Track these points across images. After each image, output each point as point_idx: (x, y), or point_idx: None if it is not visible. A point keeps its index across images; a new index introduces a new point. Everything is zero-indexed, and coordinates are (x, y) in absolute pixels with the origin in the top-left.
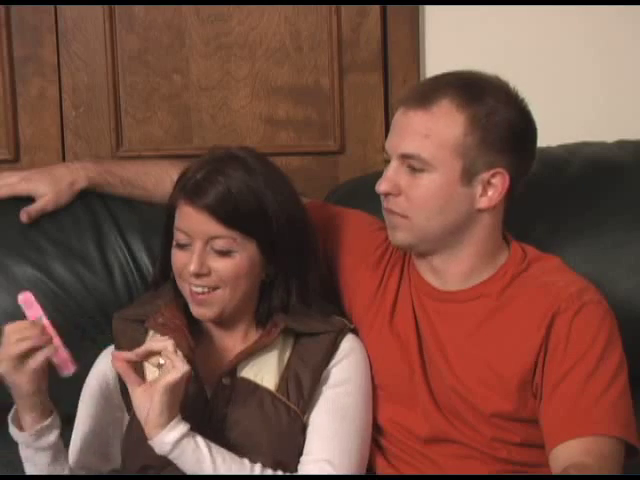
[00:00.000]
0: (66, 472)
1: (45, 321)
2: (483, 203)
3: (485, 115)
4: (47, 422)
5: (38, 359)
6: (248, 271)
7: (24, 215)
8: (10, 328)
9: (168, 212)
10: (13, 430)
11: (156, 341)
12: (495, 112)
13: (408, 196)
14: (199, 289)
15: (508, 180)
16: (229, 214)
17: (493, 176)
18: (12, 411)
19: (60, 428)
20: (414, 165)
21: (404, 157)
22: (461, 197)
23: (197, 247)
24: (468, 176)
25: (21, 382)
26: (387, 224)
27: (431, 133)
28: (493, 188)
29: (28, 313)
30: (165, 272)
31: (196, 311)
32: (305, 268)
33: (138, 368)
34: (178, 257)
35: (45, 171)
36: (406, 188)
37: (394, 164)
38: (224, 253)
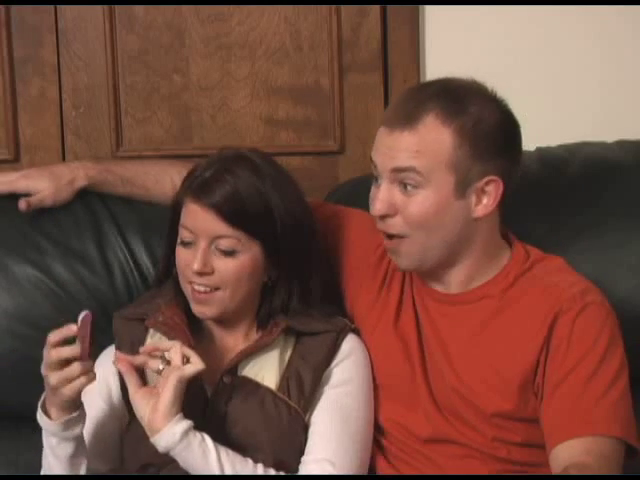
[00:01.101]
0: (84, 466)
1: (86, 347)
2: (479, 212)
3: (472, 125)
4: (75, 414)
5: (75, 388)
6: (250, 272)
7: (23, 203)
8: (51, 341)
9: (174, 209)
10: (42, 417)
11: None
12: (481, 120)
13: (404, 215)
14: (201, 288)
15: (502, 186)
16: (235, 214)
17: (487, 184)
18: (42, 398)
19: (85, 422)
20: (407, 181)
21: (397, 171)
22: (457, 210)
23: (202, 246)
24: (462, 188)
25: (61, 399)
26: (388, 250)
27: (421, 149)
28: (487, 195)
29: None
30: (168, 269)
31: (196, 309)
32: (308, 271)
33: (139, 372)
34: (182, 255)
35: (45, 169)
36: (401, 207)
37: (385, 184)
38: (228, 253)
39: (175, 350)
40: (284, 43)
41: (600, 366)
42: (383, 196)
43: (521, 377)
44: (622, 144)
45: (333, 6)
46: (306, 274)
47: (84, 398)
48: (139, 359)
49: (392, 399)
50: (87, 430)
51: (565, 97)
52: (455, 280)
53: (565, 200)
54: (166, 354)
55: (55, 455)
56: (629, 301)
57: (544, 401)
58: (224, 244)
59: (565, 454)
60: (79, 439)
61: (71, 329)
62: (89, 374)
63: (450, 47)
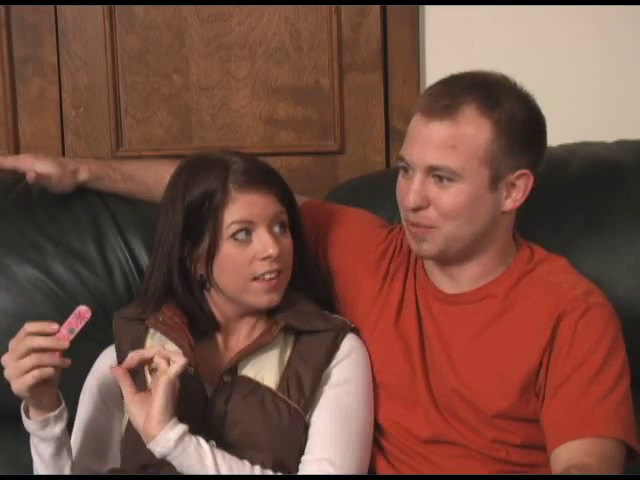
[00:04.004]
0: (68, 466)
1: (70, 336)
2: (508, 205)
3: (507, 119)
4: (52, 414)
5: (26, 382)
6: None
7: (32, 173)
8: (28, 329)
9: (206, 221)
10: (23, 417)
11: (147, 349)
12: (514, 114)
13: (437, 207)
14: (272, 274)
15: (532, 179)
16: (283, 189)
17: (518, 178)
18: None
19: (66, 422)
20: (442, 174)
21: (431, 169)
22: (489, 203)
23: (265, 231)
24: (495, 182)
25: (19, 390)
26: (411, 237)
27: (458, 143)
28: (516, 189)
29: (70, 319)
30: (170, 285)
31: (267, 299)
32: (309, 260)
33: (139, 377)
34: (242, 252)
35: (51, 156)
36: (434, 199)
37: (419, 177)
38: (284, 231)
39: (158, 355)
40: (284, 43)
41: (602, 368)
42: (417, 189)
43: (523, 378)
44: (622, 144)
45: (333, 6)
46: (308, 262)
47: (83, 397)
48: (133, 363)
49: (392, 399)
50: (86, 430)
51: (565, 97)
52: (466, 277)
53: (565, 200)
54: (155, 360)
55: (38, 455)
56: (629, 301)
57: (545, 402)
58: (282, 220)
59: (566, 455)
60: (60, 440)
61: (52, 328)
62: (41, 369)
63: (450, 47)
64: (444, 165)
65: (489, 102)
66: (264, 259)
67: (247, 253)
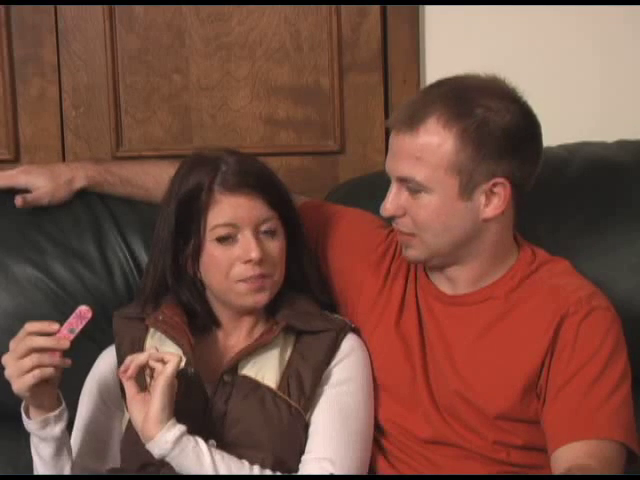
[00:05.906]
0: (68, 467)
1: (70, 335)
2: (488, 213)
3: (475, 128)
4: (53, 414)
5: (27, 382)
6: (284, 253)
7: (19, 199)
8: (28, 328)
9: (194, 219)
10: (23, 417)
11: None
12: (486, 122)
13: (412, 216)
14: (256, 278)
15: (509, 188)
16: (274, 194)
17: (494, 185)
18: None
19: (66, 422)
20: (411, 187)
21: (401, 180)
22: (463, 212)
23: (249, 235)
24: (467, 191)
25: (20, 390)
26: (400, 242)
27: (422, 155)
28: (497, 197)
29: (71, 319)
30: (165, 284)
31: (252, 299)
32: (308, 259)
33: (141, 377)
34: (225, 254)
35: (45, 167)
36: (409, 209)
37: (395, 187)
38: (273, 234)
39: (151, 358)
40: (284, 43)
41: (604, 370)
42: (391, 199)
43: (525, 379)
44: (622, 144)
45: (333, 6)
46: (307, 261)
47: (83, 396)
48: (133, 374)
49: (392, 399)
50: (86, 429)
51: (565, 97)
52: (463, 279)
53: (565, 200)
54: (149, 363)
55: (38, 455)
56: (629, 301)
57: (547, 403)
58: (270, 225)
59: (567, 456)
60: (60, 440)
61: (52, 327)
62: (42, 369)
63: (450, 47)
64: (410, 177)
65: (455, 111)
66: (246, 262)
67: (230, 255)
